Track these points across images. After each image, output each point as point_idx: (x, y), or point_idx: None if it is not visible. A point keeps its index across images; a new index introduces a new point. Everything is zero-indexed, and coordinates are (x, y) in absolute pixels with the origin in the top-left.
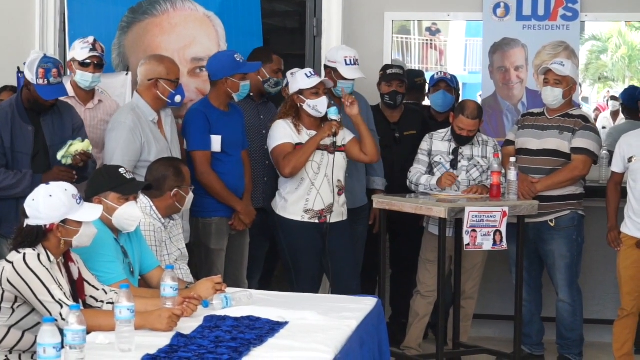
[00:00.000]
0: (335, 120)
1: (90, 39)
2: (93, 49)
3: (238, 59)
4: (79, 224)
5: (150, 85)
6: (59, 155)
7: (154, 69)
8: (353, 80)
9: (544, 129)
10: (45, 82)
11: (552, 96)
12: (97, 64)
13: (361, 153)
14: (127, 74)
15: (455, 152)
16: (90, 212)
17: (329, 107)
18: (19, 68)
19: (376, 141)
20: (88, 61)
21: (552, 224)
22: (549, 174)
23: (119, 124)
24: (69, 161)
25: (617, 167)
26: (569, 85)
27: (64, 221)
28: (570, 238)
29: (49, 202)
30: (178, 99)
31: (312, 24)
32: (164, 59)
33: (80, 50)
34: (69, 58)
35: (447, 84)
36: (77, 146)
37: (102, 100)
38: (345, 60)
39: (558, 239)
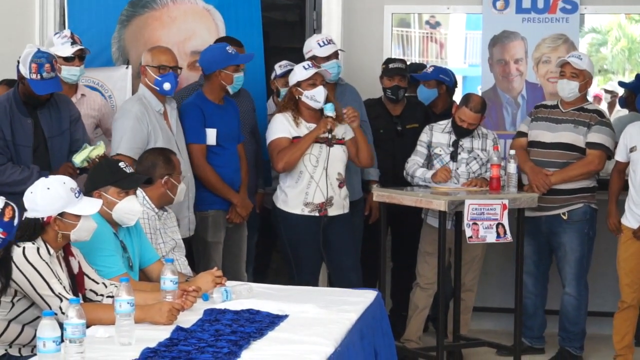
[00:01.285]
0: (331, 117)
1: (67, 32)
2: (74, 42)
3: (230, 51)
4: (77, 217)
5: (142, 74)
6: (78, 160)
7: (143, 57)
8: (334, 61)
9: (559, 122)
10: (38, 76)
11: (568, 89)
12: (80, 56)
13: (355, 157)
14: (127, 68)
15: (455, 145)
16: (89, 206)
17: (326, 102)
18: (19, 62)
19: (370, 140)
20: (72, 55)
21: (564, 217)
22: (561, 168)
23: (126, 112)
24: (85, 164)
25: (620, 156)
26: (585, 79)
27: (62, 214)
28: (582, 232)
29: (46, 195)
30: (166, 86)
31: (312, 17)
32: (153, 48)
33: (61, 46)
34: None
35: (435, 79)
36: (99, 150)
37: (85, 94)
38: (319, 43)
39: (570, 232)
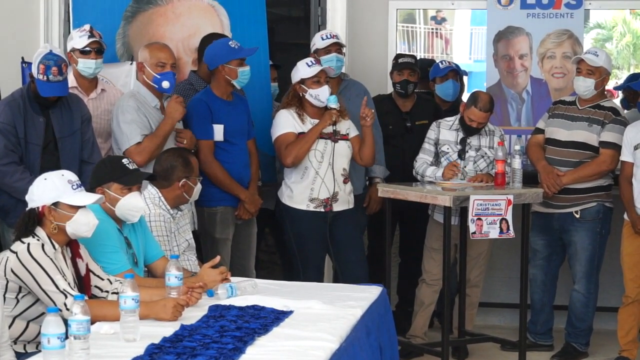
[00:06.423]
0: (335, 109)
1: (87, 26)
2: (91, 35)
3: (233, 45)
4: (73, 208)
5: (139, 70)
6: None
7: (141, 53)
8: (334, 54)
9: (574, 120)
10: (45, 78)
11: (584, 86)
12: (97, 50)
13: (357, 154)
14: (131, 64)
15: (462, 142)
16: (84, 197)
17: (329, 95)
18: (23, 58)
19: (380, 138)
20: (88, 49)
21: (577, 216)
22: (575, 166)
23: (123, 108)
24: None
25: (625, 156)
26: (601, 76)
27: (57, 204)
28: (594, 231)
29: (42, 185)
30: (165, 84)
31: (317, 13)
32: (151, 44)
33: (78, 39)
34: (68, 49)
35: (456, 72)
36: None
37: (105, 89)
38: (322, 37)
39: (581, 231)
